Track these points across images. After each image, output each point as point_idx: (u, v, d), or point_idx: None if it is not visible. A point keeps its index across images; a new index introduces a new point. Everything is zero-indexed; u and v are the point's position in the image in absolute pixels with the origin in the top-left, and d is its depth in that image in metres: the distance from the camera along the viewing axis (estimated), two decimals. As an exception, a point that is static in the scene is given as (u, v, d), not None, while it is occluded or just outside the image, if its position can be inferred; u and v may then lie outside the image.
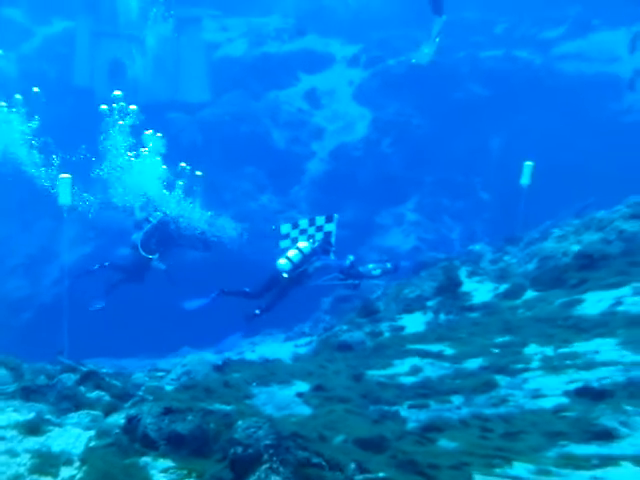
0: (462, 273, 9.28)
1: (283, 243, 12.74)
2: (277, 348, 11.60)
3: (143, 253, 12.57)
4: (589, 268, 7.72)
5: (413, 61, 22.51)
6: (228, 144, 21.34)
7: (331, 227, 12.83)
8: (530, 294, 7.94)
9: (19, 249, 19.52)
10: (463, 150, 21.53)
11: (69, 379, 5.47)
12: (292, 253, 11.76)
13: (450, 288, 8.61)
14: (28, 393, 5.05)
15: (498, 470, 3.49)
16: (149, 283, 14.25)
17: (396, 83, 23.17)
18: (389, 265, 12.28)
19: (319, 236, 12.71)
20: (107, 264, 13.13)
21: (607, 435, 3.92)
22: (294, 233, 12.74)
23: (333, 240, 12.75)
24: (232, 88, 23.51)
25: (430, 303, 8.66)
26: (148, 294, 15.24)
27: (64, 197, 10.71)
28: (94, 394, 5.14)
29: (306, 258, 11.81)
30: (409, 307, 8.72)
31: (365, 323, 8.58)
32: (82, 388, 5.32)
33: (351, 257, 12.26)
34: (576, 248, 8.32)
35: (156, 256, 12.74)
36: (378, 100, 23.24)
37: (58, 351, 6.68)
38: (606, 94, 21.25)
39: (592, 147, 19.46)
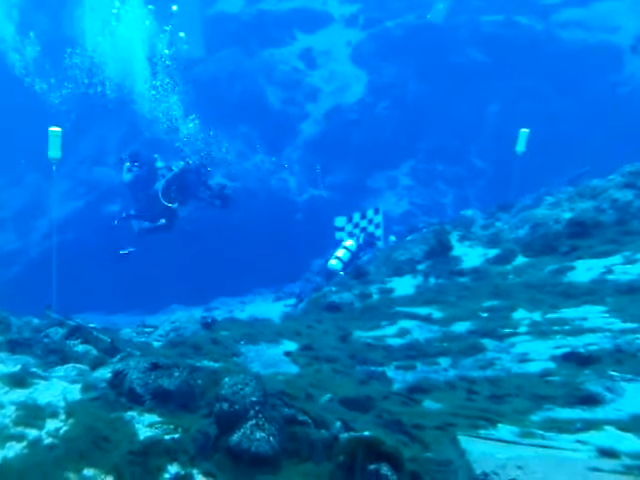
0: (453, 237, 9.25)
1: (338, 234, 13.83)
2: (267, 307, 11.65)
3: (163, 201, 12.44)
4: (581, 236, 7.71)
5: (428, 17, 22.16)
6: (221, 102, 21.00)
7: (379, 218, 13.82)
8: (520, 260, 7.94)
9: (8, 203, 19.32)
10: (459, 116, 21.30)
11: (56, 333, 5.44)
12: (341, 253, 12.63)
13: (441, 252, 8.60)
14: (15, 346, 5.02)
15: (483, 432, 3.51)
16: (141, 242, 14.17)
17: (394, 46, 22.76)
18: (392, 237, 13.21)
19: (370, 228, 13.83)
20: (125, 215, 12.96)
21: (592, 400, 3.95)
22: (349, 227, 13.85)
23: (381, 231, 13.67)
24: (227, 45, 23.04)
25: (420, 267, 8.65)
26: (139, 251, 15.19)
27: (54, 150, 10.52)
28: (81, 348, 5.11)
29: (354, 254, 12.68)
30: (399, 270, 8.71)
31: (355, 285, 8.57)
32: (69, 342, 5.29)
33: (392, 237, 13.42)
34: (568, 215, 8.31)
35: (175, 205, 12.61)
36: (375, 62, 22.86)
37: (46, 305, 6.61)
38: (606, 64, 20.98)
39: (589, 116, 19.31)
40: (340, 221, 14.05)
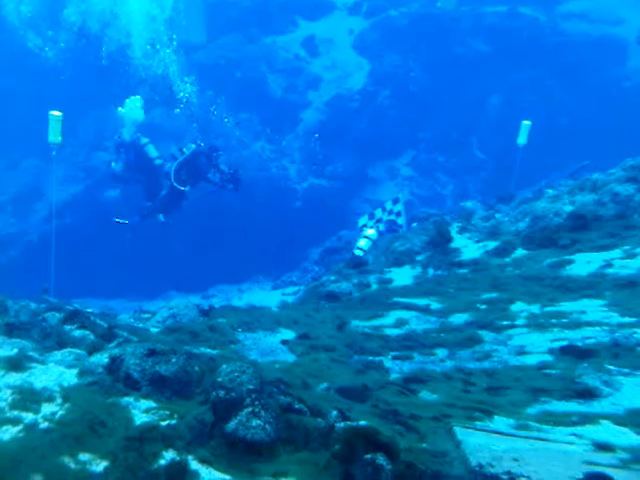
0: (453, 229, 9.24)
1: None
2: (265, 296, 11.64)
3: (174, 184, 12.42)
4: (581, 229, 7.71)
5: (439, 5, 22.02)
6: (222, 88, 20.89)
7: (399, 207, 13.77)
8: (520, 252, 7.94)
9: (6, 186, 19.27)
10: (461, 107, 21.21)
11: (54, 317, 5.43)
12: (362, 242, 12.52)
13: (440, 243, 8.59)
14: (11, 329, 5.00)
15: (479, 423, 3.51)
16: (139, 227, 14.16)
17: (397, 35, 22.62)
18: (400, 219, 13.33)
19: (393, 217, 13.72)
20: (146, 212, 13.01)
21: (589, 394, 3.95)
22: (370, 223, 13.74)
23: (402, 220, 13.59)
24: (228, 31, 22.89)
25: (420, 257, 8.65)
26: (137, 237, 15.17)
27: (54, 135, 10.46)
28: (78, 333, 5.10)
29: (375, 242, 12.55)
30: (398, 260, 8.70)
31: (353, 274, 8.56)
32: (66, 327, 5.28)
33: (414, 225, 13.01)
34: (569, 209, 8.30)
35: (187, 188, 12.59)
36: (378, 51, 22.72)
37: (43, 289, 6.61)
38: (609, 57, 20.86)
39: (591, 110, 19.24)
40: (363, 220, 14.10)
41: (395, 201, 13.88)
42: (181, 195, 12.80)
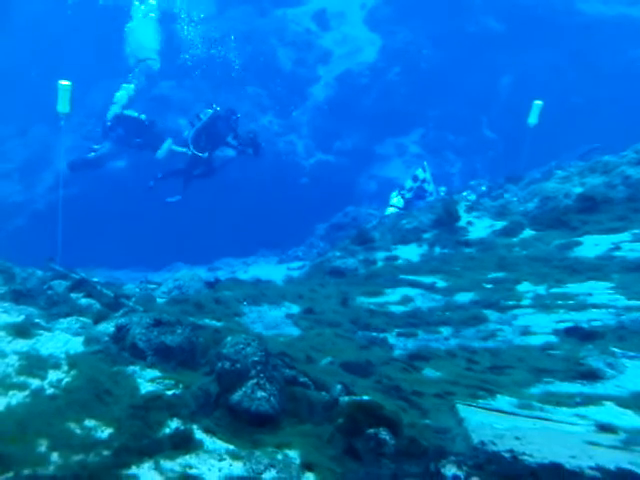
0: (461, 208, 9.19)
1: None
2: (270, 270, 11.65)
3: (194, 150, 12.37)
4: (590, 211, 7.65)
5: None
6: (232, 61, 20.70)
7: (425, 174, 13.74)
8: (528, 233, 7.89)
9: (14, 154, 19.24)
10: (472, 85, 20.97)
11: (60, 285, 5.46)
12: (391, 210, 12.72)
13: (448, 222, 8.55)
14: (18, 296, 5.04)
15: (481, 401, 3.52)
16: (147, 199, 14.16)
17: (409, 10, 22.26)
18: (483, 188, 13.16)
19: (419, 184, 13.61)
20: (160, 176, 12.96)
21: (592, 375, 3.95)
22: (394, 194, 13.62)
23: (431, 186, 13.62)
24: (238, 3, 22.59)
25: (426, 235, 8.61)
26: (144, 208, 15.18)
27: (63, 105, 10.40)
28: (84, 302, 5.13)
29: (402, 210, 12.68)
30: (405, 238, 8.67)
31: (359, 251, 8.54)
32: (73, 295, 5.31)
33: (443, 188, 13.90)
34: (579, 190, 8.22)
35: (206, 154, 12.55)
36: (389, 27, 22.39)
37: (49, 258, 6.62)
38: (624, 38, 20.50)
39: (604, 91, 18.98)
40: (394, 195, 13.92)
41: (423, 169, 13.81)
42: (201, 162, 12.75)
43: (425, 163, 14.17)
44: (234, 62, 16.84)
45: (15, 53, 19.49)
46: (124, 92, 13.18)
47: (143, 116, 13.15)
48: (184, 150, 12.71)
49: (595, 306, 5.23)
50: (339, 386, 3.18)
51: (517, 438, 2.79)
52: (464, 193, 13.23)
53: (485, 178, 14.64)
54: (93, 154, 13.33)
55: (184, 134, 12.71)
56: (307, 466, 2.64)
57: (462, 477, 2.52)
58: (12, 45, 19.73)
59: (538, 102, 13.84)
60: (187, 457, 2.66)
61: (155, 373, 3.43)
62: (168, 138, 12.87)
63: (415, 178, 13.64)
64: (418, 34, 21.91)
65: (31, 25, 20.19)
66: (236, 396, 2.98)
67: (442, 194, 13.63)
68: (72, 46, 18.83)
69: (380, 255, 8.26)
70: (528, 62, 20.82)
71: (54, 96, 10.51)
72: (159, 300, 5.94)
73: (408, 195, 13.19)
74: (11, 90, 18.66)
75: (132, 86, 13.47)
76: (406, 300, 6.25)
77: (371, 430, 2.72)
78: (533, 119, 13.79)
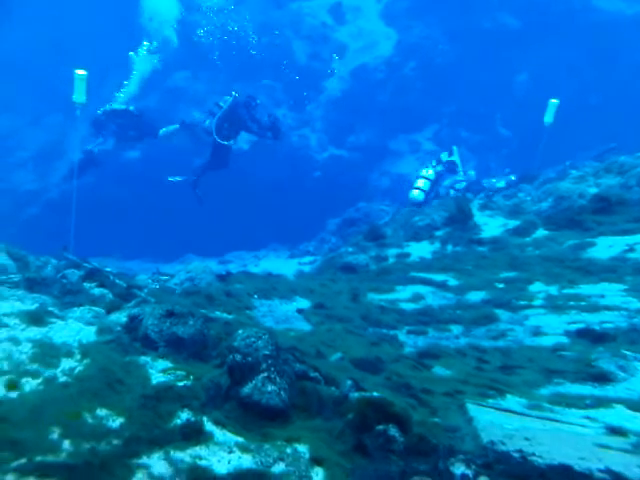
0: (474, 206, 9.16)
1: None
2: (281, 264, 11.67)
3: (217, 139, 12.44)
4: (604, 212, 7.59)
5: None
6: (246, 53, 20.70)
7: (454, 157, 13.58)
8: (541, 233, 7.85)
9: (28, 142, 19.36)
10: (487, 82, 20.82)
11: (73, 274, 5.51)
12: (420, 183, 12.59)
13: (461, 220, 8.52)
14: (32, 284, 5.09)
15: (491, 401, 3.52)
16: (158, 190, 14.21)
17: (426, 5, 22.12)
18: (513, 177, 13.08)
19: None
20: (194, 180, 13.16)
21: (603, 377, 3.93)
22: (421, 171, 13.31)
23: (460, 168, 13.54)
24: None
25: (439, 233, 8.59)
26: (157, 199, 15.24)
27: (79, 94, 10.42)
28: (97, 291, 5.18)
29: (434, 182, 12.72)
30: (417, 235, 8.66)
31: (371, 247, 8.55)
32: (86, 284, 5.36)
33: (472, 172, 13.81)
34: (593, 191, 8.17)
35: (231, 142, 12.63)
36: (406, 22, 22.27)
37: (63, 247, 6.67)
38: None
39: (621, 91, 18.79)
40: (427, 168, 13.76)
41: (450, 153, 13.67)
42: (226, 150, 12.80)
43: (453, 147, 13.96)
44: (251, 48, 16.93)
45: (28, 42, 19.58)
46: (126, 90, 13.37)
47: (132, 107, 13.28)
48: (175, 127, 13.16)
49: (607, 308, 5.19)
50: (349, 382, 3.18)
51: (526, 439, 2.79)
52: (493, 180, 13.21)
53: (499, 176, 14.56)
54: (93, 149, 13.57)
55: (205, 123, 12.75)
56: (316, 461, 2.65)
57: (471, 476, 2.53)
58: (25, 34, 19.84)
59: (554, 101, 13.72)
60: (197, 448, 2.68)
61: (167, 364, 3.46)
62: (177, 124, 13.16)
63: (450, 153, 13.54)
64: (434, 29, 21.78)
65: (44, 14, 20.27)
66: (246, 389, 2.99)
67: (472, 177, 13.60)
68: (89, 33, 18.91)
69: (392, 252, 8.25)
70: (544, 60, 20.62)
71: (70, 85, 10.54)
72: (171, 291, 5.97)
73: (439, 168, 13.02)
74: (25, 79, 18.78)
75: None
76: (417, 297, 6.24)
77: (380, 427, 2.73)
78: (549, 118, 13.67)
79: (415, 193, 12.47)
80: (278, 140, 13.11)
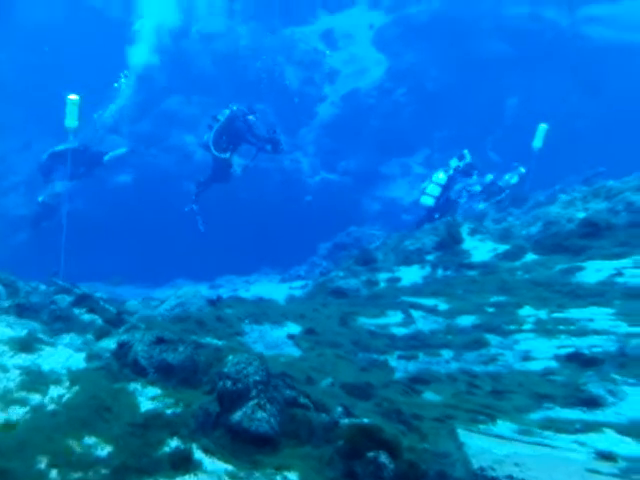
0: (464, 230, 9.21)
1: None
2: (272, 288, 11.64)
3: (215, 152, 12.40)
4: (593, 236, 7.64)
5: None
6: (240, 78, 20.90)
7: (468, 160, 13.40)
8: (530, 257, 7.89)
9: (19, 167, 19.35)
10: (478, 108, 21.07)
11: (63, 300, 5.48)
12: (431, 188, 12.51)
13: (451, 244, 8.56)
14: (22, 310, 5.06)
15: (482, 426, 3.52)
16: (148, 215, 14.20)
17: (417, 32, 22.47)
18: (522, 169, 13.27)
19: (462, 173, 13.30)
20: (195, 197, 13.27)
21: (593, 402, 3.94)
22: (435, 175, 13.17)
23: (475, 172, 13.35)
24: (248, 20, 22.85)
25: (429, 257, 8.62)
26: (146, 223, 15.22)
27: (71, 119, 10.46)
28: (87, 317, 5.15)
29: (444, 187, 12.54)
30: (408, 259, 8.68)
31: (362, 271, 8.55)
32: (76, 310, 5.33)
33: (490, 176, 13.45)
34: (582, 215, 8.23)
35: (228, 155, 12.58)
36: (397, 47, 22.60)
37: (52, 272, 6.66)
38: (630, 64, 20.60)
39: (609, 116, 19.07)
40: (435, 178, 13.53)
41: (461, 157, 13.50)
42: (226, 163, 12.77)
43: (465, 151, 13.80)
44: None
45: (20, 66, 19.69)
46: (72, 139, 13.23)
47: (76, 143, 13.12)
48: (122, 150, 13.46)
49: (596, 332, 5.22)
50: (339, 408, 3.18)
51: (516, 464, 2.79)
52: (506, 177, 13.21)
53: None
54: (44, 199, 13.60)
55: (204, 138, 12.74)
56: (306, 489, 2.64)
57: (461, 503, 2.52)
58: (17, 58, 19.96)
59: (543, 125, 13.90)
60: (186, 477, 2.66)
61: (156, 391, 3.44)
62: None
63: (461, 157, 13.33)
64: (425, 55, 22.09)
65: (35, 38, 20.44)
66: (236, 416, 2.98)
67: (487, 180, 13.48)
68: (79, 55, 19.08)
69: (383, 276, 8.26)
70: (534, 85, 20.94)
71: (62, 110, 10.57)
72: (161, 317, 5.95)
73: (451, 172, 12.83)
74: (16, 103, 18.84)
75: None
76: (408, 322, 6.24)
77: (371, 453, 2.72)
78: (538, 142, 13.85)
79: (425, 198, 12.41)
80: (277, 153, 13.07)
